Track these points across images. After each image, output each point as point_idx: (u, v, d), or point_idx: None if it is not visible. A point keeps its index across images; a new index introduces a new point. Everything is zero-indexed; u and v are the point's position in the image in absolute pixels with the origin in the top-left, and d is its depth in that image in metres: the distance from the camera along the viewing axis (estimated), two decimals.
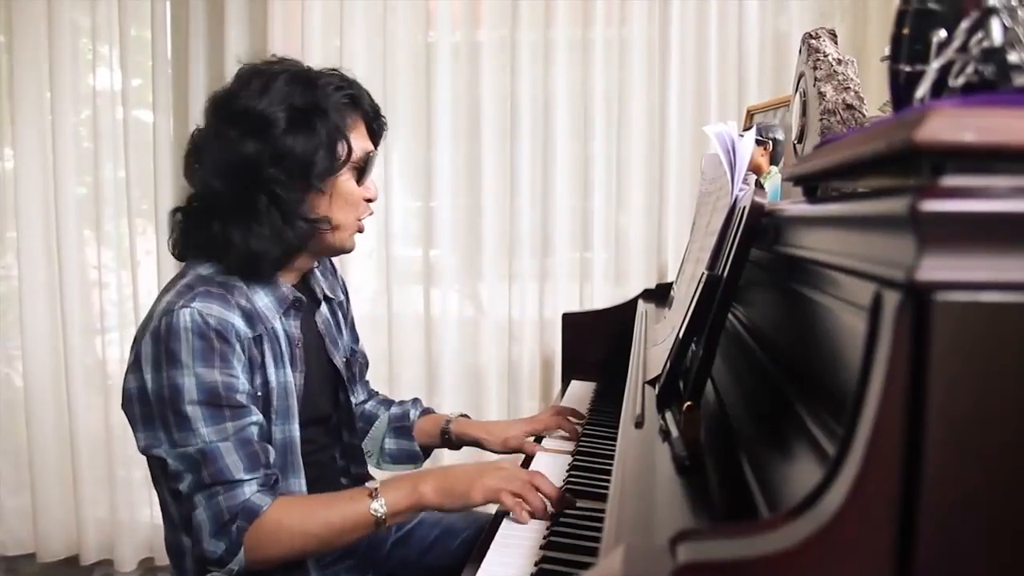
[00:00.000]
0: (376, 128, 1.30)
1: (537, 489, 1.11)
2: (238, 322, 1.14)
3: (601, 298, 2.37)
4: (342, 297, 1.47)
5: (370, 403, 1.57)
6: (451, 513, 1.51)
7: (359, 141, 1.23)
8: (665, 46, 2.29)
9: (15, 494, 2.80)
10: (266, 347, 1.18)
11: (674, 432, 0.81)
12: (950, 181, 0.44)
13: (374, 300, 2.57)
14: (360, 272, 2.56)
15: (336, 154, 1.18)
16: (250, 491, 1.08)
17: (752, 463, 0.72)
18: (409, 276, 2.53)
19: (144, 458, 1.19)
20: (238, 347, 1.13)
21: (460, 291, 2.53)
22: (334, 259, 1.47)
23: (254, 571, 1.12)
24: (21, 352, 2.72)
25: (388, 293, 2.49)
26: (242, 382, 1.12)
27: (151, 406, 1.11)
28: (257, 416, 1.14)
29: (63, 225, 2.64)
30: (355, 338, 1.52)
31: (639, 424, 0.91)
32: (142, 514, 2.73)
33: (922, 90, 0.55)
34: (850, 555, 0.45)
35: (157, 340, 1.10)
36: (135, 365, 1.14)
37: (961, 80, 0.54)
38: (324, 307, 1.38)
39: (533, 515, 1.10)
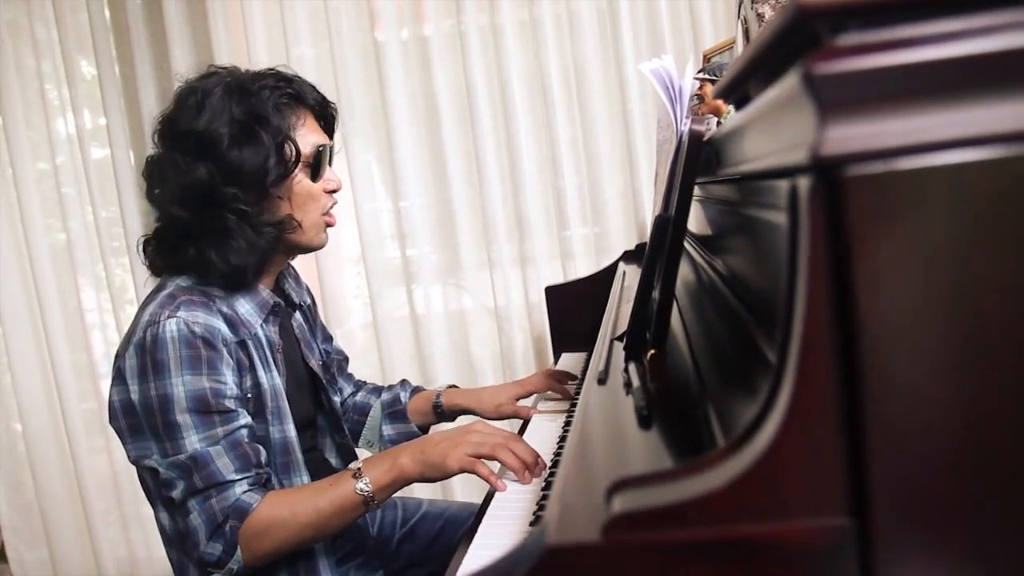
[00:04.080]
0: (326, 118, 1.29)
1: (512, 451, 1.08)
2: (223, 327, 1.14)
3: (585, 273, 2.31)
4: (309, 301, 1.48)
5: (360, 394, 1.58)
6: (451, 504, 1.59)
7: (307, 137, 1.22)
8: (614, 10, 2.23)
9: (32, 546, 2.78)
10: (252, 351, 1.19)
11: (636, 383, 0.76)
12: (848, 40, 0.38)
13: (366, 305, 2.53)
14: (351, 279, 2.53)
15: (285, 157, 1.17)
16: (240, 490, 1.08)
17: (717, 407, 0.67)
18: (389, 278, 2.48)
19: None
20: (225, 352, 1.13)
21: (443, 285, 2.48)
22: (295, 266, 1.45)
23: (260, 572, 1.13)
24: (17, 406, 2.69)
25: (371, 297, 2.44)
26: (230, 387, 1.12)
27: (139, 417, 1.11)
28: (246, 419, 1.14)
29: (40, 274, 2.60)
30: (327, 338, 1.53)
31: (602, 380, 0.86)
32: (160, 549, 2.68)
33: None
34: (796, 482, 0.40)
35: (142, 352, 1.10)
36: (119, 379, 1.13)
37: None
38: (298, 313, 1.38)
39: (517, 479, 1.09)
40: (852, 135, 0.38)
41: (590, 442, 0.69)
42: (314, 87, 1.27)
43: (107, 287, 2.62)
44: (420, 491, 2.37)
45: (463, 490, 2.44)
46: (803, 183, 0.40)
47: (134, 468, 2.61)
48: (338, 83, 2.37)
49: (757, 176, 0.61)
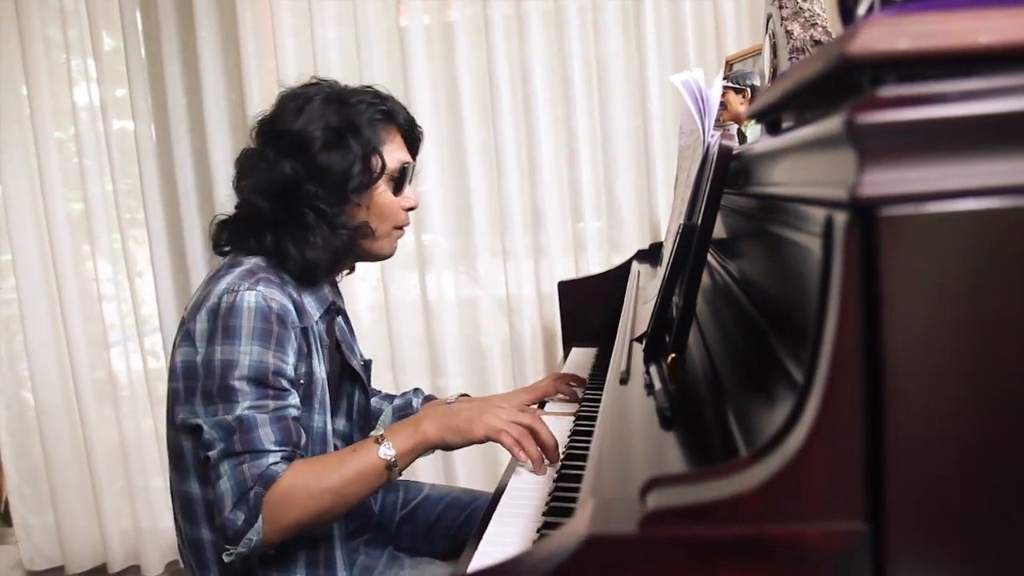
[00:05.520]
0: (413, 139, 1.37)
1: (535, 434, 1.12)
2: (294, 311, 1.20)
3: (597, 267, 2.35)
4: (344, 307, 1.50)
5: (373, 399, 1.61)
6: (453, 489, 1.61)
7: (394, 153, 1.30)
8: (639, 6, 2.26)
9: (38, 512, 2.83)
10: (312, 339, 1.23)
11: (658, 385, 0.80)
12: (887, 92, 0.42)
13: (375, 288, 2.57)
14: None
15: (371, 168, 1.25)
16: (272, 460, 1.10)
17: (736, 411, 0.71)
18: (404, 262, 2.51)
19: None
20: (293, 334, 1.18)
21: (455, 272, 2.52)
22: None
23: (283, 546, 1.14)
24: (29, 373, 2.74)
25: (384, 281, 2.48)
26: (290, 368, 1.17)
27: (198, 379, 1.15)
28: (296, 401, 1.18)
29: (57, 243, 2.64)
30: None
31: (624, 380, 0.90)
32: (165, 520, 2.75)
33: (863, 6, 0.53)
34: (818, 488, 0.44)
35: (215, 316, 1.14)
36: (187, 341, 1.17)
37: None
38: (339, 317, 1.43)
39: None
40: (887, 179, 0.41)
41: (616, 439, 0.73)
42: (405, 109, 1.36)
43: (123, 258, 2.66)
44: (424, 475, 2.42)
45: (466, 478, 2.49)
46: (839, 218, 0.44)
47: (141, 440, 2.69)
48: (361, 67, 2.40)
49: (788, 200, 0.64)
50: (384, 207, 1.29)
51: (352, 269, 1.44)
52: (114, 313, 2.74)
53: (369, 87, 1.32)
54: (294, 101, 1.26)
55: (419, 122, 1.40)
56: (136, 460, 2.70)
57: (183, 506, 1.24)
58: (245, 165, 1.27)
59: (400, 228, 1.34)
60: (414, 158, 1.37)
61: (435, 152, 2.44)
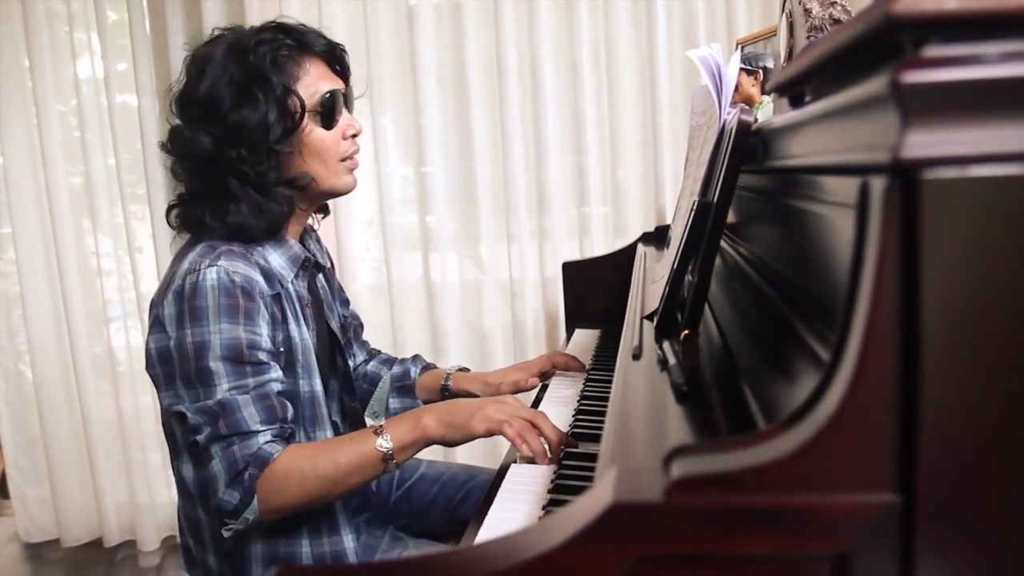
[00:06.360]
0: (339, 63, 1.28)
1: (538, 429, 1.10)
2: (260, 280, 1.16)
3: (601, 252, 2.34)
4: (329, 264, 1.49)
5: (372, 363, 1.59)
6: (451, 466, 1.59)
7: (314, 85, 1.21)
8: None
9: (35, 485, 2.83)
10: (285, 305, 1.21)
11: (672, 361, 0.80)
12: (933, 52, 0.41)
13: (376, 269, 2.56)
14: (361, 241, 2.55)
15: (289, 112, 1.17)
16: (263, 440, 1.09)
17: (753, 386, 0.70)
18: (407, 243, 2.50)
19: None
20: (262, 304, 1.15)
21: (459, 254, 2.50)
22: (317, 231, 1.48)
23: (282, 524, 1.15)
24: (28, 346, 2.73)
25: (387, 261, 2.47)
26: (265, 339, 1.14)
27: (174, 364, 1.13)
28: (277, 373, 1.15)
29: (58, 217, 2.62)
30: (344, 301, 1.54)
31: (636, 356, 0.89)
32: (161, 495, 2.75)
33: None
34: (849, 458, 0.44)
35: (180, 299, 1.11)
36: (157, 326, 1.15)
37: None
38: (320, 275, 1.40)
39: (532, 460, 1.10)
40: (931, 141, 0.40)
41: (631, 413, 0.72)
42: (320, 33, 1.26)
43: (123, 233, 2.65)
44: (424, 450, 2.40)
45: (466, 453, 2.48)
46: (877, 183, 0.43)
47: (139, 415, 2.68)
48: (368, 46, 2.37)
49: (814, 171, 0.63)
50: (319, 145, 1.21)
51: (326, 212, 1.40)
52: (113, 288, 2.73)
53: (273, 22, 1.23)
54: (195, 65, 1.18)
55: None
56: (134, 435, 2.69)
57: (179, 485, 1.24)
58: (169, 146, 1.21)
59: (349, 159, 1.25)
60: (346, 81, 1.28)
61: (441, 133, 2.42)
